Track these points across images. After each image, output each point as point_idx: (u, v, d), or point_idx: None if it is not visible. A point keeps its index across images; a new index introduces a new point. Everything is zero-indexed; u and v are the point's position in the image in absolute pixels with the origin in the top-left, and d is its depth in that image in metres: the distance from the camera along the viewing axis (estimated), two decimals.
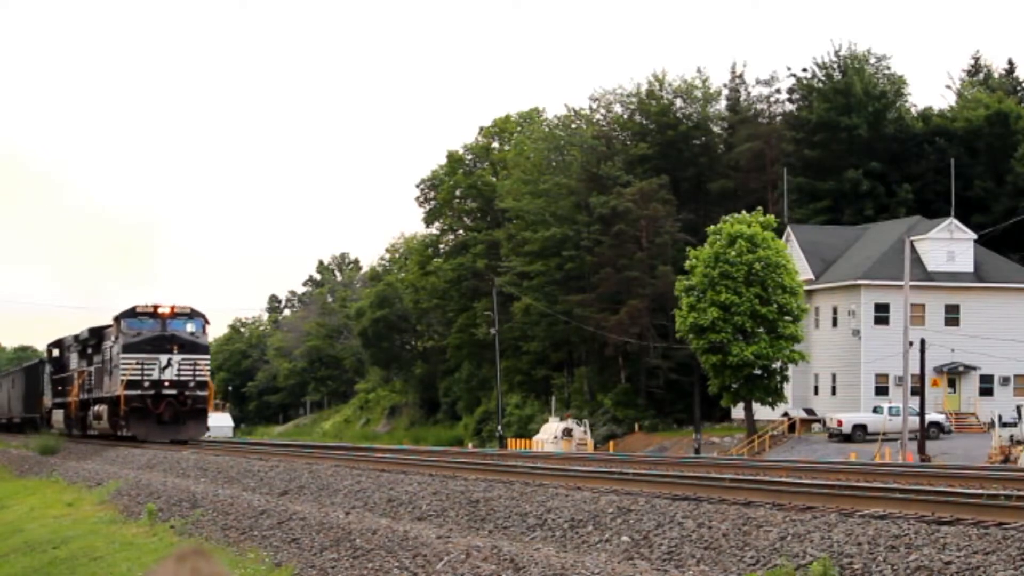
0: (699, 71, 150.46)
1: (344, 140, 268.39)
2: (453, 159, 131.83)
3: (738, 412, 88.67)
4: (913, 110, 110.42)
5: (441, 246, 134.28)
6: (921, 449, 63.72)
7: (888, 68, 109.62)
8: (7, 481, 49.28)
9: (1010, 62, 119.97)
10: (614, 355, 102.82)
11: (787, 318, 78.27)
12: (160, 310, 53.25)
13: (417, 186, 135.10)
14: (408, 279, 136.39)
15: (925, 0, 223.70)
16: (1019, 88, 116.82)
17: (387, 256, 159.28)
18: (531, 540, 17.97)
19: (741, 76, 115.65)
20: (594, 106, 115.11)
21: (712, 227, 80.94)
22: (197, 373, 53.11)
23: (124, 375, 52.45)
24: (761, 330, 77.92)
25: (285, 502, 25.98)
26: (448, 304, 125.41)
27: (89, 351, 60.90)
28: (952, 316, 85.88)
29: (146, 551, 24.45)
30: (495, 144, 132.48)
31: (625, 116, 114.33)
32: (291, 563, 19.65)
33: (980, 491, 19.71)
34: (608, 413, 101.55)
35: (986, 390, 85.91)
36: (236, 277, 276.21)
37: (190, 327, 53.79)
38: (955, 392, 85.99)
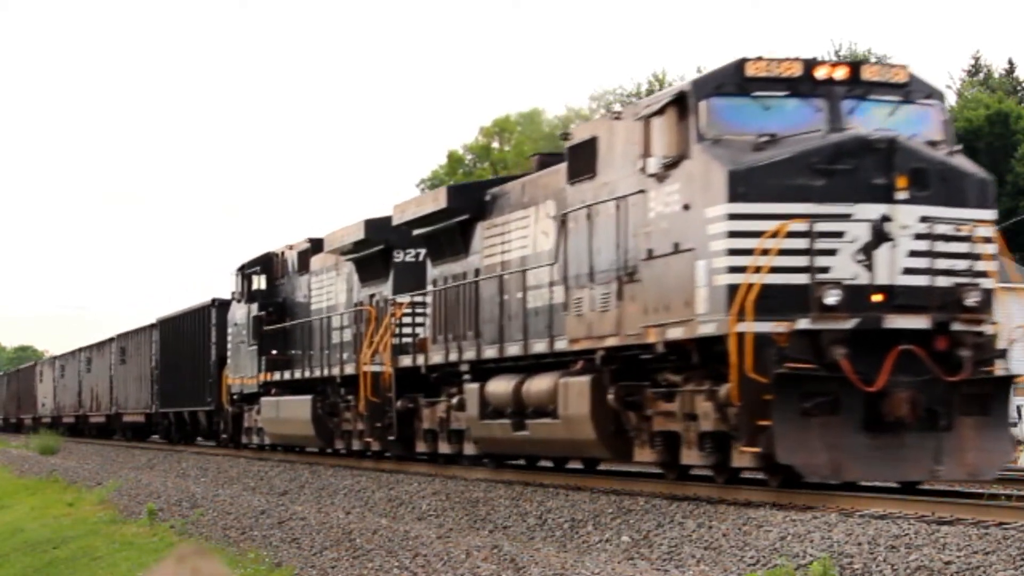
0: (699, 71, 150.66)
1: (344, 140, 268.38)
2: (453, 159, 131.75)
3: None
4: None
5: None
6: None
7: None
8: (7, 481, 49.34)
9: (1010, 62, 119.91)
10: None
11: None
12: (820, 73, 16.46)
13: (417, 186, 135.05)
14: None
15: (925, 0, 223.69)
16: (1019, 88, 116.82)
17: None
18: (531, 540, 17.98)
19: None
20: (594, 106, 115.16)
21: None
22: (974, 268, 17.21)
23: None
24: None
25: (285, 502, 25.99)
26: None
27: (410, 258, 27.48)
28: None
29: (146, 551, 24.46)
30: (495, 144, 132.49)
31: None
32: (291, 563, 19.65)
33: (980, 491, 19.70)
34: None
35: None
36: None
37: (923, 127, 16.89)
38: None
